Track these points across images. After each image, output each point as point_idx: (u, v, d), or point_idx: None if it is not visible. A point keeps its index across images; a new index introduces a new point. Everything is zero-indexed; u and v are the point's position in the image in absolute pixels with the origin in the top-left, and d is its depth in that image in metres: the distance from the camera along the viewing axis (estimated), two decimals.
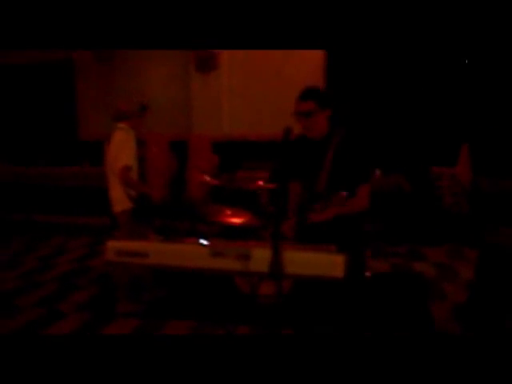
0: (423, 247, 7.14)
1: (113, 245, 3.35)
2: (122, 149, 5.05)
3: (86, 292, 5.84)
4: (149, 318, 5.07)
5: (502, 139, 7.80)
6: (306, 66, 8.12)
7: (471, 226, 7.00)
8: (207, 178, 5.65)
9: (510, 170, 7.70)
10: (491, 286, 4.72)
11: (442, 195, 7.61)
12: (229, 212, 5.30)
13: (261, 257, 2.85)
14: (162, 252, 3.20)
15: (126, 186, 5.08)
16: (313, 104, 3.64)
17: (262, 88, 8.31)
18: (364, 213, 3.84)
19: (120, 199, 5.17)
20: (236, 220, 5.13)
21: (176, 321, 4.98)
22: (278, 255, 2.72)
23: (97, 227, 8.45)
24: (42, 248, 7.87)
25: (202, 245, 3.12)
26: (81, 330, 4.87)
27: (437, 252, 6.95)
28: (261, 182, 4.98)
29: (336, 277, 2.78)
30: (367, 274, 5.85)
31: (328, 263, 2.80)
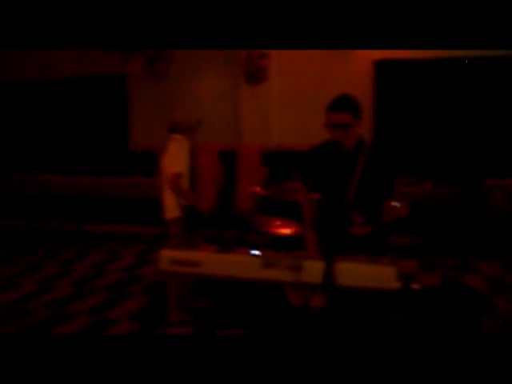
0: (474, 260, 6.99)
1: (166, 254, 3.42)
2: (175, 157, 5.18)
3: (137, 300, 5.92)
4: (198, 327, 5.11)
5: None
6: (354, 75, 8.10)
7: None
8: (257, 189, 5.70)
9: None
10: None
11: (495, 208, 7.47)
12: (278, 222, 5.34)
13: (313, 268, 2.87)
14: (214, 262, 3.25)
15: (176, 192, 5.17)
16: (349, 116, 3.53)
17: (311, 98, 8.28)
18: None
19: (172, 207, 5.26)
20: (285, 231, 5.15)
21: (225, 330, 5.00)
22: (331, 267, 2.73)
23: (147, 237, 8.57)
24: (94, 256, 8.01)
25: (253, 255, 3.16)
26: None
27: (489, 265, 6.80)
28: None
29: (391, 288, 2.78)
30: (415, 286, 5.81)
31: (382, 275, 2.80)
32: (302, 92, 8.37)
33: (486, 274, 6.53)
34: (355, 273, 2.84)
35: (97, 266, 7.46)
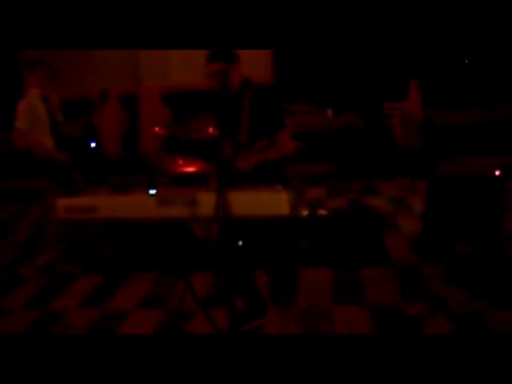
0: (377, 182, 7.25)
1: (62, 202, 3.35)
2: (16, 113, 4.94)
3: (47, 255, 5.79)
4: (110, 274, 5.08)
5: (451, 71, 7.93)
6: None
7: (423, 159, 7.15)
8: (157, 130, 5.64)
9: (459, 101, 7.86)
10: (441, 215, 4.86)
11: (393, 130, 7.72)
12: (181, 162, 5.32)
13: (206, 201, 2.89)
14: (110, 205, 3.21)
15: (23, 148, 5.03)
16: (221, 64, 3.74)
17: None
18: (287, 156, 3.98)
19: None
20: (189, 169, 5.15)
21: (138, 273, 5.01)
22: (221, 198, 2.77)
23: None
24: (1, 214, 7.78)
25: (149, 195, 3.14)
26: (40, 293, 4.87)
27: (390, 186, 7.08)
28: (211, 130, 5.00)
29: (282, 214, 2.84)
30: (323, 212, 6.01)
31: (273, 201, 2.85)
32: None
33: (388, 194, 6.79)
34: (247, 202, 2.88)
35: (4, 224, 7.25)
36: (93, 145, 6.16)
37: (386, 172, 7.38)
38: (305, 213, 6.01)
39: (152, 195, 3.15)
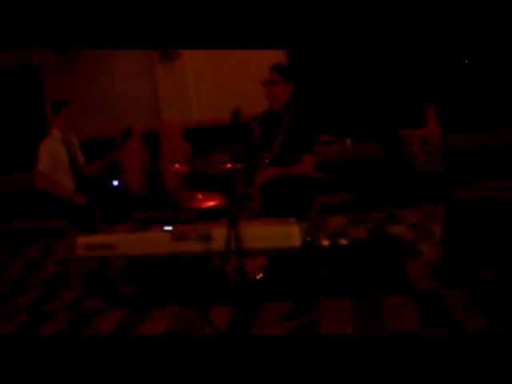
0: (399, 210, 7.24)
1: (81, 240, 3.46)
2: (38, 155, 5.09)
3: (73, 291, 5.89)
4: (134, 308, 5.15)
5: (467, 95, 7.92)
6: None
7: (444, 185, 7.13)
8: (177, 166, 5.75)
9: (478, 124, 7.84)
10: (461, 240, 4.85)
11: (413, 157, 7.73)
12: (201, 196, 5.41)
13: (220, 236, 2.96)
14: (127, 242, 3.31)
15: (45, 190, 5.16)
16: (277, 75, 4.27)
17: (227, 71, 8.37)
18: (308, 179, 4.17)
19: None
20: (208, 203, 5.23)
21: (160, 309, 5.05)
22: (234, 233, 2.83)
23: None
24: (27, 253, 7.92)
25: (165, 231, 3.23)
26: (68, 328, 4.96)
27: (411, 213, 7.05)
28: (229, 165, 5.09)
29: (293, 247, 2.90)
30: (344, 241, 6.03)
31: (284, 234, 2.91)
32: (216, 66, 8.40)
33: (410, 221, 6.77)
34: (259, 235, 2.94)
35: (32, 261, 7.39)
36: (115, 183, 6.28)
37: (407, 199, 7.36)
38: (325, 243, 6.04)
39: (167, 231, 3.23)
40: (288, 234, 2.89)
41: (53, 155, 5.10)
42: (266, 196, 4.32)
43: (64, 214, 5.24)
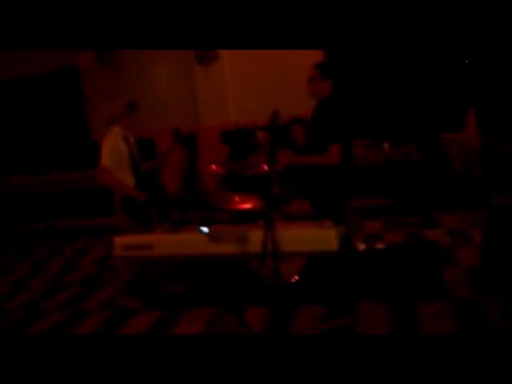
0: (437, 215, 7.15)
1: (119, 240, 3.50)
2: (103, 151, 5.18)
3: (109, 290, 5.98)
4: (170, 309, 5.17)
5: (509, 99, 7.78)
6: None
7: (483, 190, 7.01)
8: (214, 167, 5.78)
9: None
10: (501, 246, 4.76)
11: (452, 161, 7.61)
12: (237, 198, 5.42)
13: (257, 238, 2.96)
14: (165, 243, 3.34)
15: (106, 186, 5.25)
16: (316, 72, 4.36)
17: (265, 73, 8.37)
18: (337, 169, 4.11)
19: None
20: (244, 205, 5.24)
21: (196, 309, 5.07)
22: (270, 235, 2.82)
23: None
24: (66, 252, 8.06)
25: (201, 232, 3.25)
26: (103, 327, 5.04)
27: (450, 218, 6.95)
28: (265, 167, 5.10)
29: (330, 250, 2.89)
30: (380, 245, 5.97)
31: (321, 238, 2.90)
32: (254, 68, 8.41)
33: (448, 227, 6.67)
34: (295, 238, 2.94)
35: (70, 260, 7.53)
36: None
37: (446, 204, 7.27)
38: (362, 247, 6.00)
39: (204, 233, 3.25)
40: (325, 238, 2.89)
41: (115, 151, 5.21)
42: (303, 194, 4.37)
43: (125, 210, 5.25)
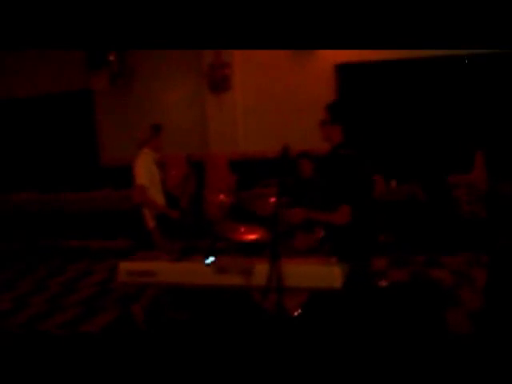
0: (442, 255, 7.13)
1: (124, 266, 3.50)
2: (138, 170, 5.37)
3: (109, 314, 5.95)
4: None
5: None
6: (316, 80, 8.24)
7: (489, 232, 7.00)
8: (222, 197, 5.80)
9: None
10: (504, 290, 4.74)
11: (459, 203, 7.62)
12: (243, 229, 5.42)
13: (262, 271, 2.97)
14: (169, 271, 3.34)
15: (142, 203, 5.33)
16: (327, 115, 3.94)
17: (275, 105, 8.45)
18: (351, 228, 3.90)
19: (149, 217, 5.42)
20: (250, 236, 5.23)
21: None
22: (275, 269, 2.83)
23: (122, 250, 8.61)
24: (68, 273, 8.04)
25: (207, 262, 3.25)
26: None
27: (455, 260, 6.94)
28: (273, 199, 5.10)
29: (334, 287, 2.89)
30: (383, 283, 5.94)
31: (326, 275, 2.90)
32: (265, 100, 8.50)
33: (453, 268, 6.66)
34: (300, 273, 2.94)
35: (72, 281, 7.50)
36: None
37: (451, 245, 7.26)
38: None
39: (210, 263, 3.26)
40: (330, 275, 2.89)
41: (149, 172, 5.40)
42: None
43: (160, 227, 5.45)
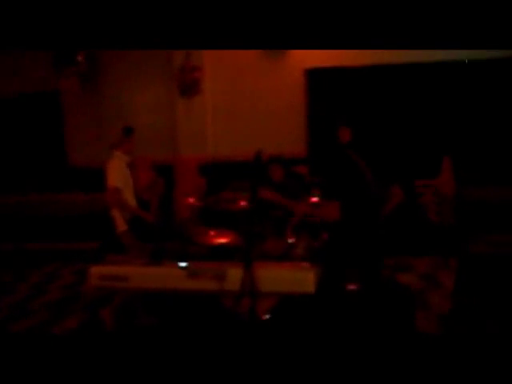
0: (409, 259, 7.21)
1: (96, 270, 3.46)
2: (111, 172, 5.35)
3: (76, 318, 5.87)
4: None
5: (483, 148, 7.95)
6: (287, 86, 8.28)
7: (455, 236, 7.12)
8: (191, 200, 5.77)
9: (491, 177, 7.85)
10: (471, 294, 4.82)
11: (426, 207, 7.72)
12: (213, 233, 5.40)
13: (235, 276, 2.97)
14: (142, 275, 3.32)
15: (115, 206, 5.29)
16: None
17: (245, 109, 8.47)
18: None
19: (120, 220, 5.37)
20: (220, 240, 5.22)
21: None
22: (249, 274, 2.83)
23: (89, 253, 8.49)
24: (34, 276, 7.90)
25: (179, 267, 3.23)
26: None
27: (422, 263, 7.03)
28: (243, 203, 5.09)
29: (307, 292, 2.90)
30: (352, 286, 5.96)
31: (299, 279, 2.91)
32: (235, 104, 8.52)
33: (421, 271, 6.74)
34: (273, 278, 2.95)
35: (37, 285, 7.37)
36: None
37: (418, 248, 7.34)
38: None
39: (182, 268, 3.24)
40: (303, 280, 2.90)
41: (122, 174, 5.41)
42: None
43: (133, 231, 5.43)
